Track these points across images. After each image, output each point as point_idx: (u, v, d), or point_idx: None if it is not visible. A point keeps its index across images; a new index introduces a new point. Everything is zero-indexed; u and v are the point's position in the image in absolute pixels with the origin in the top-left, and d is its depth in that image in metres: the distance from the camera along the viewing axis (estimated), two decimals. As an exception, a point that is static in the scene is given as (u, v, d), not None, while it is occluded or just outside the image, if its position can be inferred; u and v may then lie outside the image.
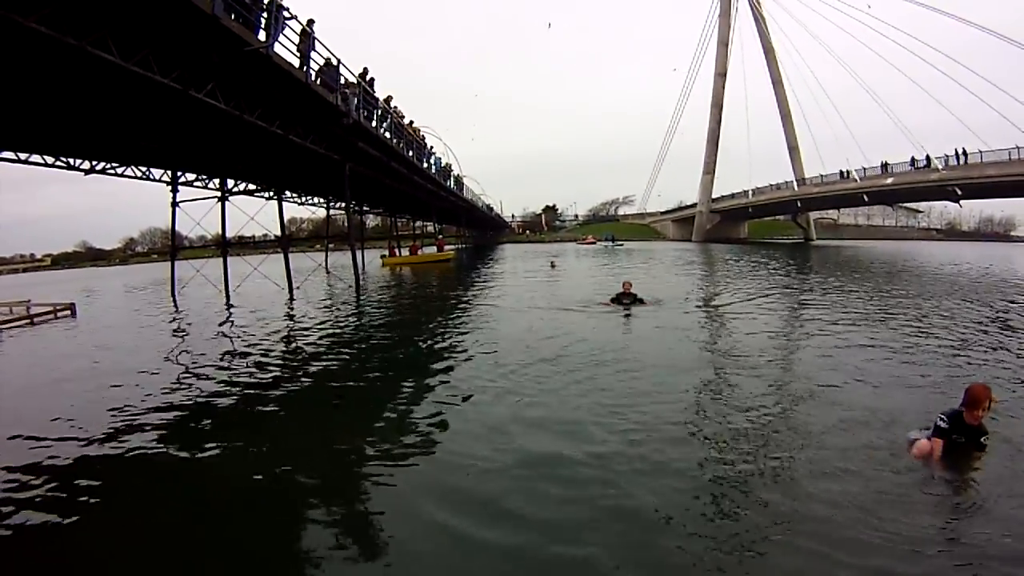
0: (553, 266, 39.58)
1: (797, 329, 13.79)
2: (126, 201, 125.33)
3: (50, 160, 21.78)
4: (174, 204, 28.40)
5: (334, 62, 19.18)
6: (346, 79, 20.47)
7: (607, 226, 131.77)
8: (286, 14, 15.37)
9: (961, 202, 65.34)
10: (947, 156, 61.47)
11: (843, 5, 74.84)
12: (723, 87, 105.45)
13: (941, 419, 5.88)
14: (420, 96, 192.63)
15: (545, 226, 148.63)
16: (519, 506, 5.14)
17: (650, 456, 6.11)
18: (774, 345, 11.87)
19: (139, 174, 26.42)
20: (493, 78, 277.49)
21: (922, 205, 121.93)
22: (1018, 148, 53.62)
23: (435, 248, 54.91)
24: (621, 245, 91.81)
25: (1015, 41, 56.44)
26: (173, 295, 28.24)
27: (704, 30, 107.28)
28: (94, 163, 23.55)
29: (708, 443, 6.36)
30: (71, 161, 22.51)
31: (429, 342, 13.25)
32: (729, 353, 10.87)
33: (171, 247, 31.47)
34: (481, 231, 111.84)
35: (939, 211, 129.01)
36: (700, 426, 6.90)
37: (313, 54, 17.49)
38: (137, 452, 7.07)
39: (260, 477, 6.26)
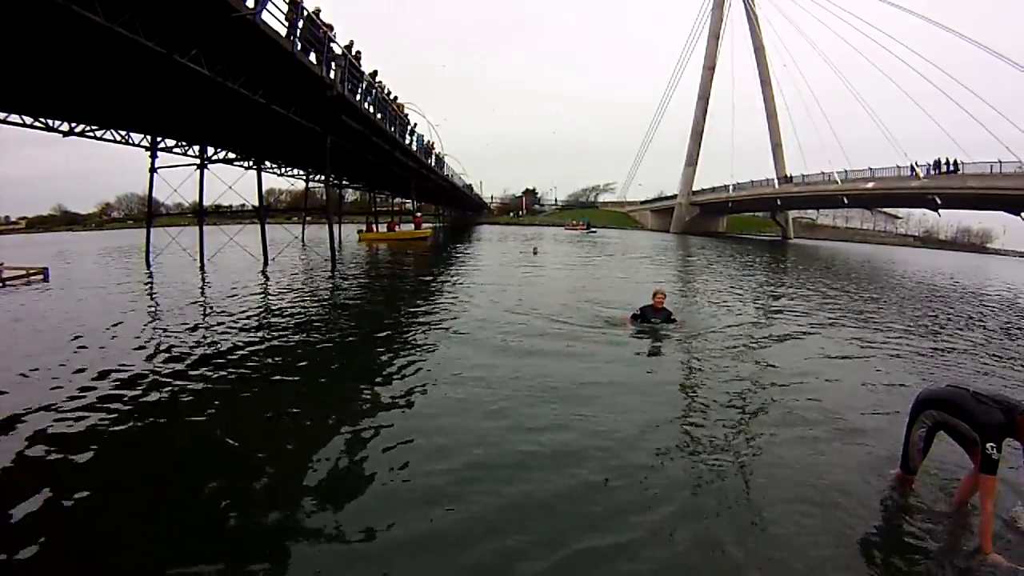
0: (535, 252, 38.69)
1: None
2: (103, 165, 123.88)
3: (28, 120, 21.52)
4: (152, 170, 28.18)
5: (323, 29, 19.09)
6: (333, 51, 20.36)
7: (586, 212, 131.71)
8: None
9: (940, 211, 66.01)
10: (928, 165, 61.97)
11: (837, 9, 75.10)
12: (711, 81, 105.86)
13: (992, 449, 4.49)
14: (411, 70, 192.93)
15: (525, 209, 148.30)
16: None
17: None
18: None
19: (118, 138, 26.15)
20: (484, 56, 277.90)
21: (901, 211, 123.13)
22: (1000, 162, 54.20)
23: (413, 225, 54.71)
24: (595, 231, 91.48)
25: (1009, 59, 56.80)
26: (148, 262, 28.01)
27: (696, 23, 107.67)
28: (73, 125, 23.30)
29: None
30: (49, 122, 22.25)
31: (391, 349, 10.88)
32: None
33: (147, 214, 31.19)
34: (460, 210, 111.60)
35: (918, 218, 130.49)
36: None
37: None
38: (98, 417, 7.08)
39: (217, 444, 6.37)
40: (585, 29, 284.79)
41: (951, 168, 58.71)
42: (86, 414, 7.18)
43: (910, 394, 8.10)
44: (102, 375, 8.84)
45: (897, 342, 12.58)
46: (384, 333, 12.17)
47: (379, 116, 27.62)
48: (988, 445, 4.48)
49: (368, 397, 7.93)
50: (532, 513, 4.89)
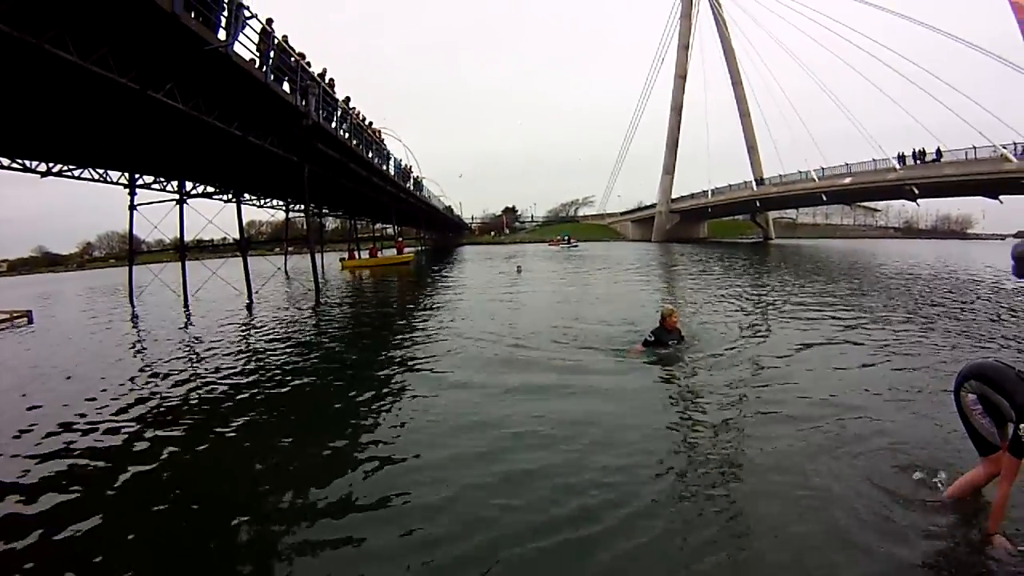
0: (519, 271, 38.19)
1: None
2: (84, 204, 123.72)
3: (5, 162, 21.43)
4: (131, 207, 27.99)
5: (295, 58, 19.17)
6: (306, 79, 20.40)
7: (566, 227, 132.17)
8: (246, 13, 15.31)
9: (919, 201, 66.58)
10: (905, 155, 62.69)
11: (800, 7, 75.70)
12: (683, 89, 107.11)
13: None
14: (388, 95, 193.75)
15: (506, 228, 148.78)
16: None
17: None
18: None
19: (96, 176, 26.03)
20: (460, 78, 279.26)
21: (880, 204, 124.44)
22: (974, 148, 54.79)
23: (395, 250, 54.70)
24: (576, 246, 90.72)
25: (972, 44, 57.41)
26: (131, 301, 27.80)
27: (665, 32, 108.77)
28: (50, 165, 23.19)
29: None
30: (27, 163, 22.16)
31: (379, 383, 10.25)
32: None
33: (129, 251, 31.12)
34: (441, 233, 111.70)
35: (897, 210, 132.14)
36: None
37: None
38: (88, 459, 7.08)
39: (209, 481, 6.34)
40: (561, 45, 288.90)
41: (936, 157, 59.31)
42: (70, 452, 7.25)
43: (927, 390, 8.16)
44: (89, 414, 8.89)
45: (906, 338, 12.28)
46: (372, 365, 11.77)
47: (355, 143, 27.67)
48: (1022, 426, 4.20)
49: (356, 431, 7.77)
50: (530, 536, 4.82)
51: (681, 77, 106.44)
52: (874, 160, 67.40)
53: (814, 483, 5.50)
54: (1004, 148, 52.00)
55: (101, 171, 26.12)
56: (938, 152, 59.11)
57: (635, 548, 4.60)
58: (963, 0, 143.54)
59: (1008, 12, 39.21)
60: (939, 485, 5.21)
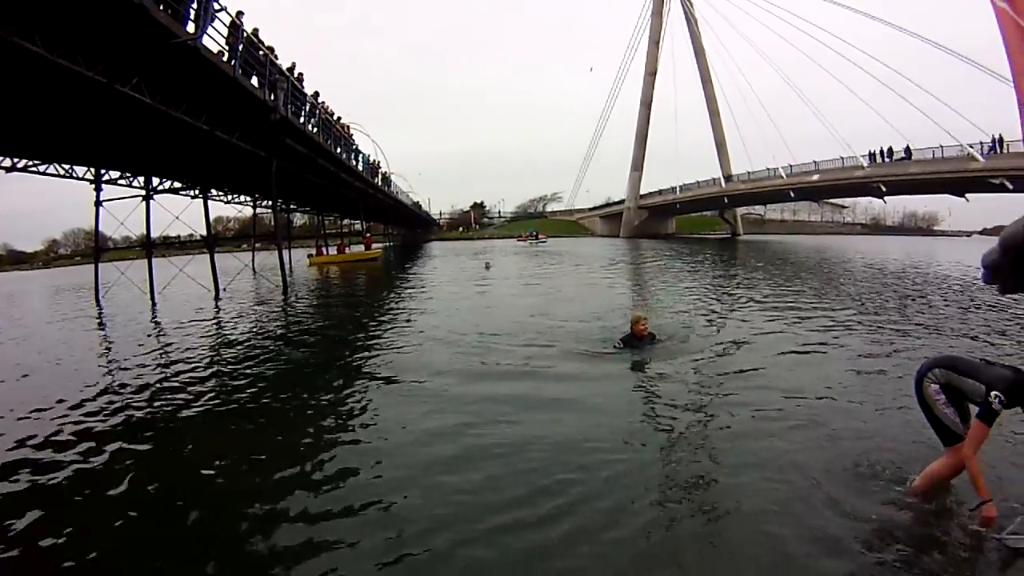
0: (488, 267, 38.05)
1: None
2: (50, 200, 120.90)
3: (-33, 158, 21.11)
4: (97, 203, 27.54)
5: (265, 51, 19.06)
6: (275, 73, 20.28)
7: (535, 222, 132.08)
8: (216, 5, 15.19)
9: (886, 198, 67.45)
10: (873, 153, 63.57)
11: (775, 8, 76.02)
12: (653, 86, 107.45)
13: (996, 398, 4.30)
14: (383, 96, 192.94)
15: (474, 223, 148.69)
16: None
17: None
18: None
19: (62, 172, 25.65)
20: (430, 77, 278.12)
21: (847, 201, 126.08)
22: (941, 147, 55.79)
23: (363, 246, 54.44)
24: (544, 242, 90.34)
25: (942, 46, 58.14)
26: (97, 299, 27.45)
27: (636, 29, 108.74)
28: (15, 160, 22.82)
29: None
30: (-9, 158, 21.82)
31: (344, 382, 10.10)
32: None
33: (95, 249, 30.69)
34: (409, 228, 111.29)
35: (864, 207, 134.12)
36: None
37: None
38: (41, 455, 7.05)
39: (173, 483, 6.19)
40: (546, 44, 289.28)
41: (905, 155, 60.15)
42: (33, 454, 7.13)
43: (895, 383, 8.23)
44: (47, 411, 8.86)
45: (874, 332, 12.52)
46: (337, 364, 11.57)
47: (324, 138, 27.56)
48: (993, 393, 4.31)
49: (318, 429, 7.73)
50: (512, 552, 4.64)
51: (651, 74, 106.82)
52: (842, 158, 68.64)
53: (777, 475, 5.58)
54: (971, 147, 52.92)
55: (67, 166, 25.73)
56: (907, 150, 59.98)
57: (579, 534, 4.70)
58: (946, 4, 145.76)
59: (988, 16, 39.74)
60: (906, 476, 5.28)
